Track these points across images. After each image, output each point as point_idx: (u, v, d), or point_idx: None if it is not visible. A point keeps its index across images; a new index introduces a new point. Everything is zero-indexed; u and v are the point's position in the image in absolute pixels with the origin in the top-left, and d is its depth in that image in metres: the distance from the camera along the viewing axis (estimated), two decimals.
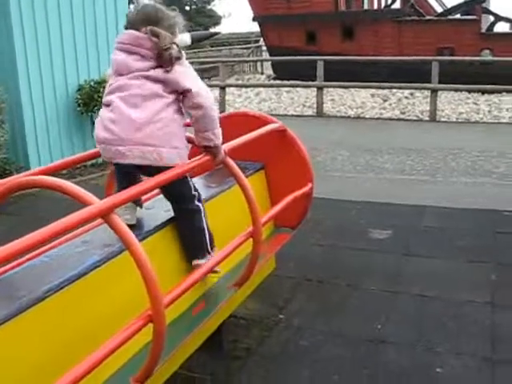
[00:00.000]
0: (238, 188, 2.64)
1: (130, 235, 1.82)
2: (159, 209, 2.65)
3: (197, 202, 2.63)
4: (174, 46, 2.44)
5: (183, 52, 2.53)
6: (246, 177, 2.75)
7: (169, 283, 2.16)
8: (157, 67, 2.45)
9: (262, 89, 18.10)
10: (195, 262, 2.58)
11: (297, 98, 16.44)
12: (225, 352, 3.23)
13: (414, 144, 9.56)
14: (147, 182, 2.17)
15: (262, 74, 24.60)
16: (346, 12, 21.27)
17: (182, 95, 2.48)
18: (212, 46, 32.88)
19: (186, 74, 2.48)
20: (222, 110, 13.13)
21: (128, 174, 2.49)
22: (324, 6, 20.59)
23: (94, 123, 8.33)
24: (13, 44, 6.96)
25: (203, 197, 2.70)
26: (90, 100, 7.65)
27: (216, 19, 45.96)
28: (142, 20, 2.50)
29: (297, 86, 16.08)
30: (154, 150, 2.34)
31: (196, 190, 2.65)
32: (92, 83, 7.76)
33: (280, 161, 3.42)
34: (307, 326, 3.61)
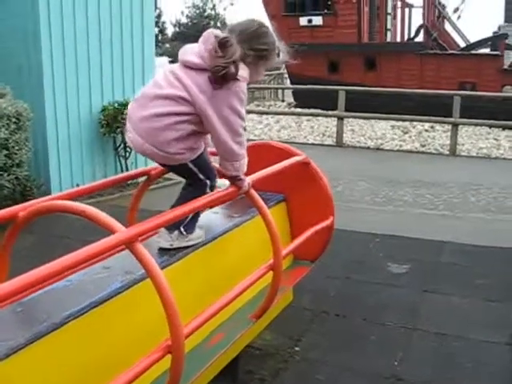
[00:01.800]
0: (259, 219, 2.63)
1: (153, 264, 1.81)
2: None
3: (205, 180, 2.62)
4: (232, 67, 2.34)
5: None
6: (268, 208, 2.74)
7: (190, 311, 2.14)
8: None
9: (282, 116, 18.17)
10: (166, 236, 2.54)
11: (317, 127, 16.47)
12: (239, 383, 3.20)
13: (434, 177, 9.52)
14: (172, 211, 2.17)
15: (283, 101, 24.71)
16: (368, 43, 21.38)
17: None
18: None
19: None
20: None
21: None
22: (347, 36, 20.72)
23: (116, 144, 8.40)
24: (41, 63, 7.08)
25: (224, 227, 2.70)
26: (113, 121, 7.73)
27: None
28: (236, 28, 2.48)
29: (317, 114, 16.13)
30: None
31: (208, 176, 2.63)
32: (116, 105, 7.84)
33: (302, 193, 3.41)
34: (323, 360, 3.57)
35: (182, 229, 2.56)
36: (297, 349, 3.69)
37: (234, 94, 2.39)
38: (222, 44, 2.35)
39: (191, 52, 2.43)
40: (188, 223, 2.58)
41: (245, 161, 2.57)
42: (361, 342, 3.81)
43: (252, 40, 2.47)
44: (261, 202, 2.60)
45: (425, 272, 5.02)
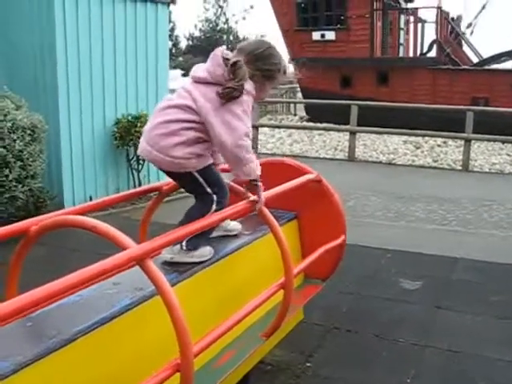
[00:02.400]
0: (270, 237, 2.62)
1: (164, 281, 1.80)
2: None
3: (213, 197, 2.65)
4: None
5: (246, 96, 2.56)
6: (280, 226, 2.72)
7: (200, 329, 2.13)
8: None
9: (294, 130, 18.19)
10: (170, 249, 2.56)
11: (329, 141, 16.47)
12: None
13: (446, 193, 9.46)
14: (181, 228, 2.16)
15: (295, 115, 24.74)
16: (381, 58, 21.39)
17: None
18: None
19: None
20: (255, 149, 13.19)
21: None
22: (360, 51, 20.74)
23: (129, 157, 8.44)
24: (56, 76, 7.14)
25: (235, 245, 2.70)
26: (126, 134, 7.76)
27: None
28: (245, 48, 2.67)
29: (330, 129, 16.14)
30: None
31: (215, 191, 2.66)
32: (130, 117, 7.88)
33: (313, 211, 3.39)
34: (335, 376, 3.53)
35: (183, 244, 2.57)
36: (308, 364, 3.66)
37: (238, 104, 2.53)
38: (233, 67, 2.51)
39: (201, 69, 2.62)
40: (191, 239, 2.57)
41: (254, 164, 2.60)
42: (373, 358, 3.78)
43: (258, 61, 2.63)
44: (272, 220, 2.59)
45: (437, 288, 4.98)
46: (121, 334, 2.01)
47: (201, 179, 2.62)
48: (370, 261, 5.65)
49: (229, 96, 2.48)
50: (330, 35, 21.46)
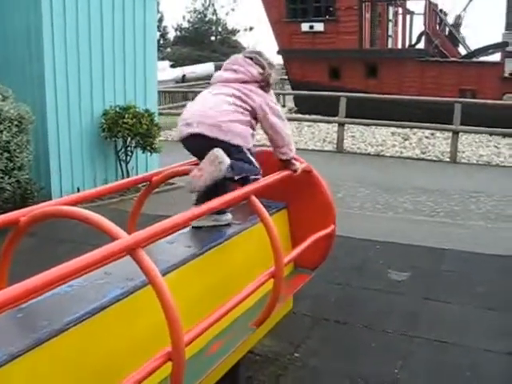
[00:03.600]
0: (260, 226, 2.63)
1: (155, 271, 1.81)
2: (181, 243, 2.64)
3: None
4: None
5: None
6: (270, 215, 2.73)
7: (191, 318, 2.13)
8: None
9: None
10: (215, 217, 2.96)
11: (318, 133, 16.46)
12: None
13: (434, 185, 9.52)
14: (172, 218, 2.15)
15: (284, 106, 24.71)
16: (370, 50, 21.39)
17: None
18: None
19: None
20: None
21: None
22: (348, 43, 20.71)
23: (116, 148, 8.38)
24: (42, 66, 7.09)
25: (225, 234, 2.73)
26: (114, 125, 7.72)
27: (240, 50, 46.36)
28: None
29: (319, 120, 16.14)
30: None
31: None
32: (117, 109, 7.84)
33: (303, 200, 3.40)
34: (323, 367, 3.56)
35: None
36: (297, 355, 3.68)
37: (272, 94, 3.22)
38: (261, 66, 3.17)
39: (231, 72, 3.18)
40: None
41: (293, 146, 3.21)
42: (361, 349, 3.81)
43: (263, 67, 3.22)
44: (263, 209, 2.60)
45: (425, 279, 5.02)
46: (112, 324, 2.01)
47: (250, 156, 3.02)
48: (358, 252, 5.68)
49: (266, 81, 3.12)
50: (319, 27, 21.40)
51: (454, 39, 22.10)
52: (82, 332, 1.88)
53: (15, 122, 6.02)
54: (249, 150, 3.03)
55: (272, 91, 3.23)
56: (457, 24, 22.45)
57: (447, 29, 22.43)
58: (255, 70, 3.15)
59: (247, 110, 3.05)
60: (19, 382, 1.69)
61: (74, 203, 2.52)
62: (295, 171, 3.22)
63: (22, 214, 2.24)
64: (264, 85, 3.15)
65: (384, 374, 3.49)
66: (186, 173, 2.98)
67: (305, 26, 21.73)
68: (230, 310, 2.35)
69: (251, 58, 3.20)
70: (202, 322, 2.14)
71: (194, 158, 3.41)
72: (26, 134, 6.28)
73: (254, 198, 2.60)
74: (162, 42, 42.05)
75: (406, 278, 5.04)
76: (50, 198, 6.62)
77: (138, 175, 3.90)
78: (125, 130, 7.68)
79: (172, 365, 1.85)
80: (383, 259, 5.48)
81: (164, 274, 2.23)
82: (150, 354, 1.92)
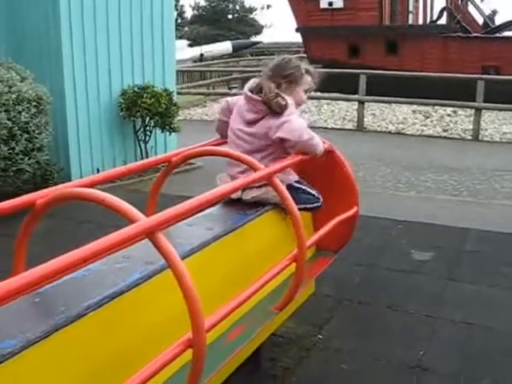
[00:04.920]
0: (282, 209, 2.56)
1: (175, 255, 1.74)
2: (201, 226, 2.57)
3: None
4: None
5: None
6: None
7: (211, 303, 2.07)
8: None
9: None
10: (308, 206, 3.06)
11: (337, 111, 16.29)
12: (262, 371, 3.15)
13: (457, 163, 9.37)
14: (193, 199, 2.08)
15: None
16: (390, 26, 21.05)
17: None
18: (252, 55, 32.93)
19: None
20: None
21: None
22: (368, 19, 20.41)
23: (135, 128, 8.35)
24: (60, 46, 7.04)
25: (246, 217, 2.66)
26: (132, 105, 7.67)
27: (258, 28, 46.07)
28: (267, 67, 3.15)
29: (338, 98, 15.95)
30: None
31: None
32: (136, 88, 7.78)
33: (325, 181, 3.31)
34: (346, 349, 3.51)
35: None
36: (320, 337, 3.64)
37: (290, 115, 2.96)
38: (257, 90, 2.99)
39: (247, 114, 3.01)
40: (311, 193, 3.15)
41: (318, 140, 3.05)
42: (385, 330, 3.75)
43: (278, 71, 3.04)
44: (284, 191, 2.52)
45: (449, 259, 4.93)
46: (131, 309, 1.96)
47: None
48: (380, 232, 5.60)
49: (273, 102, 2.89)
50: (338, 3, 21.12)
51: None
52: (101, 318, 1.83)
53: (34, 103, 5.99)
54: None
55: (290, 109, 3.06)
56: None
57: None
58: (259, 105, 3.04)
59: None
60: (35, 369, 1.64)
61: (93, 184, 2.47)
62: (316, 154, 3.09)
63: (40, 196, 2.19)
64: (275, 105, 3.01)
65: (407, 355, 3.43)
66: (205, 154, 2.92)
67: (324, 3, 21.45)
68: (253, 295, 2.28)
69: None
70: (223, 307, 2.08)
71: (213, 138, 3.35)
72: (45, 115, 6.25)
73: (275, 179, 2.52)
74: (179, 20, 41.84)
75: (429, 258, 4.95)
76: (70, 180, 6.61)
77: (158, 156, 3.85)
78: (143, 109, 7.63)
79: (192, 352, 1.80)
80: (406, 239, 5.40)
81: (184, 257, 2.18)
82: (169, 340, 1.87)
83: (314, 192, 3.12)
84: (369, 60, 19.53)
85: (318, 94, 19.02)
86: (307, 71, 3.13)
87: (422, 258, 4.94)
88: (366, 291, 4.31)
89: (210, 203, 2.25)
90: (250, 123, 2.98)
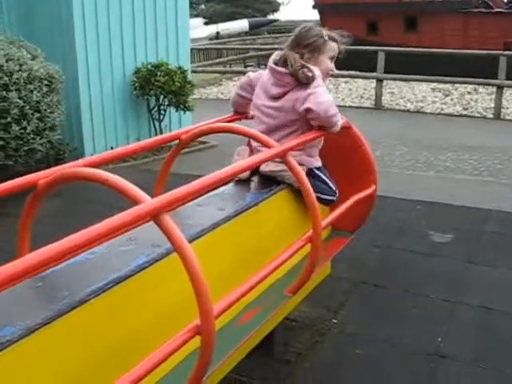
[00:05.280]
0: (295, 188, 2.45)
1: (181, 238, 1.65)
2: (213, 206, 2.48)
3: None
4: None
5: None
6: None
7: (220, 288, 1.99)
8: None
9: None
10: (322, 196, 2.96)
11: (355, 89, 16.06)
12: (275, 355, 3.07)
13: (477, 142, 9.16)
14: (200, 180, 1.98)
15: None
16: (409, 2, 20.63)
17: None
18: (269, 33, 32.57)
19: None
20: None
21: None
22: None
23: (149, 107, 8.24)
24: (72, 23, 6.93)
25: (257, 197, 2.56)
26: (146, 83, 7.56)
27: (275, 6, 45.51)
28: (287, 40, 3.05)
29: (356, 76, 15.69)
30: None
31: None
32: (149, 66, 7.66)
33: (342, 160, 3.19)
34: (362, 334, 3.41)
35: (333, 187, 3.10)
36: (334, 321, 3.54)
37: (317, 86, 2.84)
38: (282, 63, 2.89)
39: (274, 89, 2.91)
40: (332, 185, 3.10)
41: (339, 117, 2.93)
42: (402, 314, 3.65)
43: (299, 41, 2.96)
44: (299, 169, 2.42)
45: (469, 241, 4.80)
46: (137, 294, 1.88)
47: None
48: (398, 213, 5.47)
49: (300, 72, 2.79)
50: None
51: None
52: (105, 303, 1.75)
53: (45, 82, 5.90)
54: None
55: (317, 80, 2.93)
56: None
57: None
58: (286, 77, 2.95)
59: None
60: (36, 357, 1.57)
61: (102, 163, 2.39)
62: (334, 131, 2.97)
63: (44, 176, 2.11)
64: (302, 76, 2.92)
65: (425, 340, 3.33)
66: (216, 131, 2.81)
67: None
68: (264, 278, 2.19)
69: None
70: (233, 291, 1.99)
71: (225, 116, 3.24)
72: (57, 94, 6.16)
73: (289, 156, 2.41)
74: None
75: (448, 239, 4.83)
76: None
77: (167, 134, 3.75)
78: (157, 88, 7.52)
79: (201, 339, 1.71)
80: (424, 220, 5.27)
81: (193, 239, 2.09)
82: (177, 326, 1.79)
83: (332, 185, 3.03)
84: (387, 37, 19.21)
85: (336, 71, 18.85)
86: (330, 37, 3.02)
87: (441, 240, 4.82)
88: (382, 274, 4.20)
89: (219, 184, 2.14)
90: (276, 98, 2.88)
